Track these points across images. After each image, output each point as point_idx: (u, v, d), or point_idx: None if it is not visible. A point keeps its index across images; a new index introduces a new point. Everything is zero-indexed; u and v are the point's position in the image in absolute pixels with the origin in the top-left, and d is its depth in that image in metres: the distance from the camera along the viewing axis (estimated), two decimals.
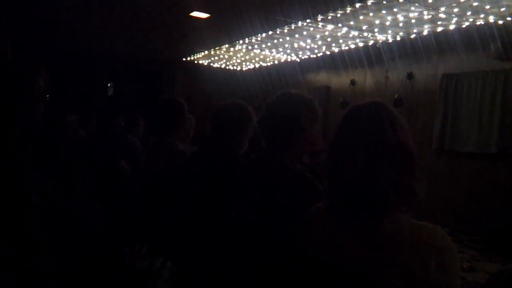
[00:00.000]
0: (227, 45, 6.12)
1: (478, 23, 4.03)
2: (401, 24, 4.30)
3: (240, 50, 6.30)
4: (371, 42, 5.10)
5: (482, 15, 3.86)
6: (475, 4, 3.59)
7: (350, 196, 1.15)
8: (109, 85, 9.16)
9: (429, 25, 4.28)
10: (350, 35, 4.91)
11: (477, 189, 4.69)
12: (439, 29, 4.31)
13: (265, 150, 1.73)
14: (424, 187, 1.15)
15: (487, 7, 3.63)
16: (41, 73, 1.44)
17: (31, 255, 1.22)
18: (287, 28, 4.82)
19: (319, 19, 4.34)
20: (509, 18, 3.82)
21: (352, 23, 4.37)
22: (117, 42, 6.67)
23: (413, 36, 4.62)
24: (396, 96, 5.56)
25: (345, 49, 5.56)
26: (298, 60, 6.60)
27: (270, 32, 5.09)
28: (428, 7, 3.78)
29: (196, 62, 7.56)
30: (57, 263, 1.33)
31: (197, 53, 7.00)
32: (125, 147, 3.57)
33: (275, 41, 5.51)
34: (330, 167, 1.23)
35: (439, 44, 4.85)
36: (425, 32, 4.46)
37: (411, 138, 1.19)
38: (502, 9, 3.65)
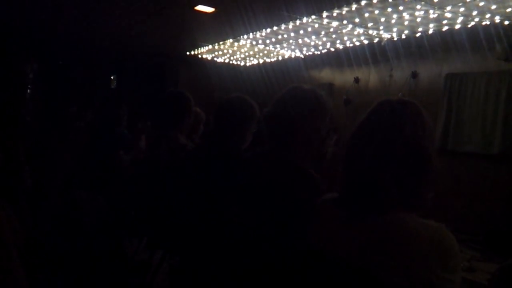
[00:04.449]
0: (231, 40, 6.09)
1: (484, 23, 4.01)
2: (406, 23, 4.28)
3: (244, 45, 6.28)
4: (376, 40, 5.07)
5: (488, 15, 3.84)
6: (481, 4, 3.57)
7: (356, 189, 1.17)
8: (112, 77, 9.17)
9: (435, 24, 4.26)
10: (355, 32, 4.89)
11: (478, 190, 4.69)
12: (445, 28, 4.29)
13: (270, 145, 1.72)
14: (432, 192, 1.15)
15: (493, 7, 3.61)
16: (29, 60, 1.45)
17: (26, 247, 1.23)
18: (291, 23, 4.81)
19: (324, 16, 4.32)
20: None
21: (357, 20, 4.35)
22: (121, 34, 6.66)
23: (418, 34, 4.60)
24: (399, 95, 5.54)
25: (349, 46, 5.53)
26: (302, 56, 6.57)
27: (275, 28, 5.07)
28: (434, 6, 3.76)
29: (200, 56, 7.54)
30: (58, 254, 1.35)
31: (201, 48, 6.98)
32: (124, 138, 3.57)
33: (280, 36, 5.49)
34: (345, 157, 1.24)
35: (444, 44, 4.83)
36: (430, 31, 4.44)
37: (433, 143, 1.18)
38: (508, 10, 3.63)
